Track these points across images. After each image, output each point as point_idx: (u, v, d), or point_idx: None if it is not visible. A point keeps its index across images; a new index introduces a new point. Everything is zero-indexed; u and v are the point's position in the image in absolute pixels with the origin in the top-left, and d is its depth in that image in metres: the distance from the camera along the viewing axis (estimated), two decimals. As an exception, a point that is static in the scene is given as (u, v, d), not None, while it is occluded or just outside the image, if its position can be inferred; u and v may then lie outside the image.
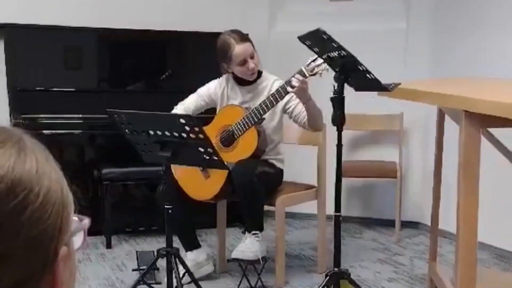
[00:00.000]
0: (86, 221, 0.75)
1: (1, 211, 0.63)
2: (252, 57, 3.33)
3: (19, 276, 0.65)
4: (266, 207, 3.43)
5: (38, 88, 4.27)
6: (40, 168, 0.67)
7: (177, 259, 2.90)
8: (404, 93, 2.77)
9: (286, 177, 3.56)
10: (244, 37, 3.35)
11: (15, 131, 0.70)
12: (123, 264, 3.82)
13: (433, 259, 3.32)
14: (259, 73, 3.45)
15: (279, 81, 3.33)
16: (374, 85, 2.61)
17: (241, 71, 3.35)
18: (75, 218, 0.74)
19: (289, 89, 3.07)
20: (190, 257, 3.43)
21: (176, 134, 2.74)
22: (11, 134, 0.69)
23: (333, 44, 2.52)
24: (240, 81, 3.44)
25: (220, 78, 3.51)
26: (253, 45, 3.36)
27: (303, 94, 3.10)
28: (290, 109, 3.34)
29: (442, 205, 3.28)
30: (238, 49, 3.29)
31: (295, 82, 3.03)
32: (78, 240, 0.75)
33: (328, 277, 2.75)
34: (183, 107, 3.47)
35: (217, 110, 3.48)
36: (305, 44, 2.64)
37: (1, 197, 0.63)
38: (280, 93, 3.16)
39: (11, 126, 0.72)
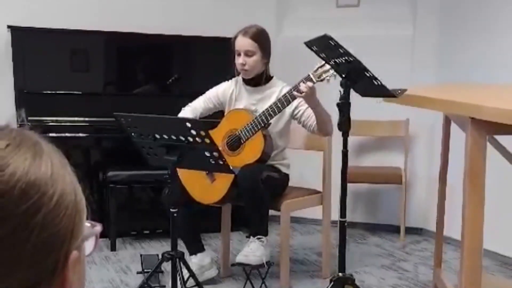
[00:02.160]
0: (98, 227, 0.76)
1: (14, 213, 0.64)
2: (247, 55, 3.34)
3: (30, 278, 0.65)
4: (271, 212, 3.43)
5: (45, 91, 4.29)
6: (54, 172, 0.68)
7: (181, 263, 2.91)
8: (410, 99, 2.77)
9: (291, 182, 3.56)
10: (251, 34, 3.35)
11: (31, 135, 0.71)
12: (127, 267, 3.82)
13: (438, 265, 3.31)
14: (269, 78, 3.46)
15: (287, 87, 3.33)
16: (381, 91, 2.61)
17: (236, 62, 3.39)
18: (87, 224, 0.74)
19: (296, 93, 3.08)
20: (194, 261, 3.44)
21: (182, 138, 2.75)
22: (28, 138, 0.69)
23: (340, 49, 2.53)
24: (249, 83, 3.45)
25: (230, 80, 3.52)
26: (262, 49, 3.36)
27: (311, 99, 3.11)
28: (299, 114, 3.35)
29: (447, 211, 3.28)
30: (238, 40, 3.36)
31: (303, 88, 3.03)
32: (89, 245, 0.75)
33: (332, 283, 2.75)
34: (191, 108, 3.48)
35: (225, 112, 3.49)
36: (312, 49, 2.65)
37: (15, 199, 0.64)
38: (288, 99, 3.16)
39: (28, 129, 0.72)
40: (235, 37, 3.37)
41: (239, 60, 3.35)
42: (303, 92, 3.03)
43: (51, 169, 0.67)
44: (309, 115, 3.29)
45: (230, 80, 3.53)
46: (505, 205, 3.77)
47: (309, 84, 3.03)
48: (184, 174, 3.31)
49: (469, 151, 2.30)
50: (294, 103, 3.24)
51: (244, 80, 3.46)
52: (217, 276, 3.58)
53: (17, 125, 3.94)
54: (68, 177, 0.70)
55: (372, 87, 2.61)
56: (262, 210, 3.30)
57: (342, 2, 4.85)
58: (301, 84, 3.05)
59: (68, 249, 0.68)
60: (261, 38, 3.37)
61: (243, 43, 3.34)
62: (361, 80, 2.60)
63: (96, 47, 4.60)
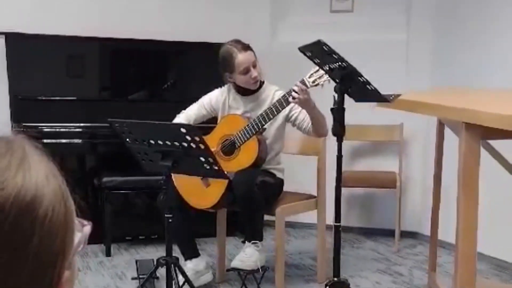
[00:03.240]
0: (88, 228, 0.74)
1: (7, 247, 0.62)
2: (254, 66, 3.35)
3: None
4: (266, 217, 3.44)
5: (40, 97, 4.29)
6: (45, 192, 0.65)
7: (176, 268, 2.91)
8: (404, 104, 2.79)
9: (286, 187, 3.57)
10: (246, 46, 3.36)
11: (17, 143, 0.68)
12: (122, 272, 3.82)
13: (432, 269, 3.33)
14: (261, 83, 3.47)
15: (280, 91, 3.35)
16: (374, 96, 2.63)
17: (244, 80, 3.37)
18: (75, 221, 0.72)
19: (290, 99, 3.09)
20: (190, 266, 3.43)
21: (177, 143, 2.75)
22: (15, 149, 0.67)
23: (334, 55, 2.54)
24: (242, 91, 3.45)
25: (222, 87, 3.52)
26: (255, 55, 3.39)
27: (306, 103, 3.12)
28: (294, 117, 3.36)
29: (442, 215, 3.29)
30: (241, 57, 3.32)
31: (295, 93, 3.05)
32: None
33: (327, 287, 2.75)
34: (185, 115, 3.48)
35: (219, 119, 3.50)
36: (306, 55, 2.66)
37: (6, 232, 0.62)
38: (282, 103, 3.18)
39: (12, 135, 0.69)
40: (234, 58, 3.31)
41: (252, 74, 3.33)
42: (296, 97, 3.05)
43: (41, 189, 0.65)
44: (304, 117, 3.30)
45: (222, 87, 3.53)
46: (499, 208, 3.78)
47: (302, 86, 3.04)
48: (178, 179, 3.32)
49: (463, 155, 2.31)
50: (288, 106, 3.25)
51: (236, 88, 3.46)
52: (213, 281, 3.58)
53: (12, 132, 3.94)
54: (58, 188, 0.68)
55: (366, 92, 2.62)
56: (257, 215, 3.31)
57: (336, 7, 4.87)
58: (295, 88, 3.07)
59: (61, 270, 0.67)
60: (251, 47, 3.39)
61: (249, 57, 3.33)
62: (355, 85, 2.61)
63: (91, 53, 4.60)
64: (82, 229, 0.73)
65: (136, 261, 3.69)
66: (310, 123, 3.27)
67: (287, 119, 3.40)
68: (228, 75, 3.39)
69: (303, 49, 2.63)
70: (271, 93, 3.42)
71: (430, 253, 3.37)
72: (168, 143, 2.77)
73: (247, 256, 3.23)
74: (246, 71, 3.33)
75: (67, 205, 0.69)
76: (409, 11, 4.63)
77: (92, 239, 0.76)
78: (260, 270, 3.21)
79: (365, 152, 4.82)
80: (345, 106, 2.63)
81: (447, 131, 3.01)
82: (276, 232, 3.47)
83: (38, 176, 0.66)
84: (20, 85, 4.28)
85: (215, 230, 3.76)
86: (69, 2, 4.50)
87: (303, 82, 3.07)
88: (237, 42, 3.38)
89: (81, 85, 4.56)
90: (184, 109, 3.53)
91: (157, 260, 2.93)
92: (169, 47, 4.71)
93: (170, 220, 2.83)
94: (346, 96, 2.64)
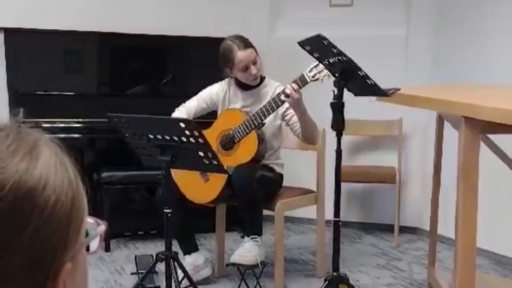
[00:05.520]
0: (103, 227, 0.73)
1: (3, 228, 0.60)
2: (254, 63, 3.34)
3: None
4: (265, 212, 3.43)
5: (38, 92, 4.28)
6: (51, 176, 0.64)
7: (176, 263, 2.91)
8: (404, 98, 2.78)
9: (286, 182, 3.56)
10: (247, 43, 3.35)
11: (30, 134, 0.67)
12: (122, 268, 3.82)
13: (432, 264, 3.32)
14: (262, 79, 3.46)
15: (281, 87, 3.34)
16: (374, 91, 2.62)
17: (243, 77, 3.37)
18: (91, 220, 0.72)
19: (282, 97, 3.09)
20: (189, 261, 3.44)
21: (176, 138, 2.75)
22: (26, 139, 0.66)
23: (333, 49, 2.53)
24: (242, 86, 3.45)
25: (222, 81, 3.52)
26: (256, 51, 3.37)
27: (297, 104, 3.12)
28: (288, 117, 3.36)
29: (441, 210, 3.29)
30: (241, 55, 3.31)
31: (288, 90, 3.05)
32: (94, 244, 0.73)
33: (327, 282, 2.75)
34: (185, 109, 3.48)
35: (218, 114, 3.49)
36: (305, 49, 2.65)
37: (6, 212, 0.61)
38: (276, 101, 3.19)
39: (27, 127, 0.68)
40: (233, 55, 3.31)
41: (252, 72, 3.33)
42: (288, 95, 3.05)
43: (46, 177, 0.64)
44: (297, 120, 3.29)
45: (222, 81, 3.53)
46: (498, 203, 3.78)
47: (294, 86, 3.04)
48: (177, 174, 3.31)
49: (462, 150, 2.31)
50: (286, 104, 3.24)
51: (237, 82, 3.45)
52: (212, 276, 3.58)
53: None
54: (66, 182, 0.66)
55: (365, 87, 2.61)
56: (256, 210, 3.30)
57: (336, 1, 4.85)
58: (288, 86, 3.07)
59: (60, 262, 0.65)
60: (252, 43, 3.38)
61: (248, 54, 3.32)
62: (354, 79, 2.60)
63: (89, 48, 4.59)
64: (96, 228, 0.72)
65: (135, 256, 3.70)
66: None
67: (282, 117, 3.39)
68: (228, 70, 3.39)
69: (302, 43, 2.62)
70: (272, 89, 3.41)
71: (429, 248, 3.37)
72: (167, 137, 2.77)
73: (246, 251, 3.23)
74: (246, 68, 3.33)
75: (76, 199, 0.68)
76: (409, 7, 4.62)
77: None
78: (260, 265, 3.21)
79: (364, 147, 4.82)
80: (344, 100, 2.63)
81: (447, 126, 3.00)
82: (276, 227, 3.46)
83: (45, 165, 0.65)
84: (19, 80, 4.27)
85: (214, 225, 3.76)
86: (68, -3, 4.49)
87: (302, 76, 3.07)
88: (238, 38, 3.37)
89: (80, 80, 4.55)
90: (184, 103, 3.52)
91: (156, 255, 2.93)
92: (168, 42, 4.70)
93: (169, 215, 2.83)
94: (345, 90, 2.64)
